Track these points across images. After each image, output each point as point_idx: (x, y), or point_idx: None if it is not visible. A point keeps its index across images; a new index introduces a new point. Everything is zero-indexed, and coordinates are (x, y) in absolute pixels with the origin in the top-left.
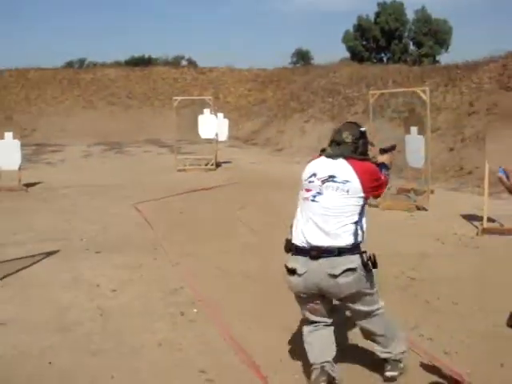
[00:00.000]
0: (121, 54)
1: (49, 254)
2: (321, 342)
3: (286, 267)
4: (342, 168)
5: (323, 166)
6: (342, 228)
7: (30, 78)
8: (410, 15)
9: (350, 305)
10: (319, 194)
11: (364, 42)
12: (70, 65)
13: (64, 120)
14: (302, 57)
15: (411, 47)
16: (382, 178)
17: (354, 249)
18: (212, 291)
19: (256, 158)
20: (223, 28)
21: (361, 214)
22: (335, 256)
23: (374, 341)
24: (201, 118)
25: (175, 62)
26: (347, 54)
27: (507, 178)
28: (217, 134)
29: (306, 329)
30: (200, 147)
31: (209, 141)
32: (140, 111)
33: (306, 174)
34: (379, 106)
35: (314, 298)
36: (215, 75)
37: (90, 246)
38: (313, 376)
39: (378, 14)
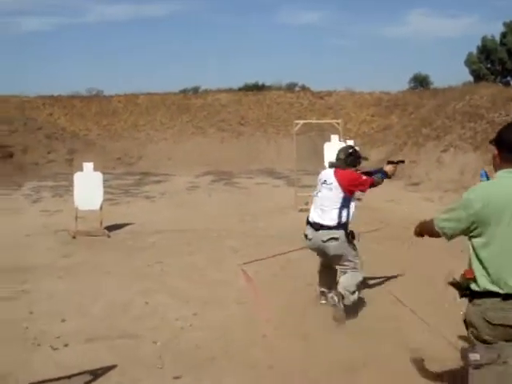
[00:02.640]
0: (234, 81)
1: (93, 373)
2: (325, 276)
3: (304, 233)
4: (331, 175)
5: (324, 173)
6: (329, 212)
7: (139, 104)
8: None
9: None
10: (319, 191)
11: (489, 65)
12: (183, 92)
13: (172, 147)
14: (421, 82)
15: None
16: (362, 179)
17: (338, 226)
18: None
19: (390, 193)
20: (336, 54)
21: (343, 203)
22: (325, 229)
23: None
24: (327, 146)
25: (290, 88)
26: (469, 78)
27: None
28: None
29: (319, 267)
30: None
31: None
32: (252, 138)
33: (318, 178)
34: None
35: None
36: (334, 99)
37: (167, 357)
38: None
39: (504, 35)
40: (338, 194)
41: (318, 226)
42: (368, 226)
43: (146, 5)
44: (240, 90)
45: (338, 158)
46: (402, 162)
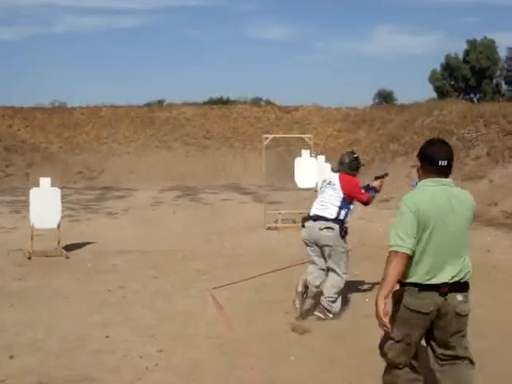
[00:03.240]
0: (199, 95)
1: None
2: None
3: (302, 225)
4: (336, 177)
5: (329, 176)
6: (329, 208)
7: (103, 116)
8: (502, 53)
9: (327, 259)
10: (324, 191)
11: (452, 82)
12: (148, 105)
13: (135, 161)
14: (385, 98)
15: (503, 86)
16: (360, 189)
17: (335, 220)
18: None
19: (360, 211)
20: (302, 70)
21: (342, 203)
22: (323, 220)
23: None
24: (298, 162)
25: (255, 103)
26: (433, 94)
27: None
28: (317, 183)
29: (309, 266)
30: (290, 196)
31: (307, 190)
32: (218, 152)
33: (322, 180)
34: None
35: (312, 244)
36: (301, 114)
37: None
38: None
39: (467, 52)
40: (339, 195)
41: (316, 217)
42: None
43: (113, 17)
44: (205, 103)
45: (341, 162)
46: (387, 175)
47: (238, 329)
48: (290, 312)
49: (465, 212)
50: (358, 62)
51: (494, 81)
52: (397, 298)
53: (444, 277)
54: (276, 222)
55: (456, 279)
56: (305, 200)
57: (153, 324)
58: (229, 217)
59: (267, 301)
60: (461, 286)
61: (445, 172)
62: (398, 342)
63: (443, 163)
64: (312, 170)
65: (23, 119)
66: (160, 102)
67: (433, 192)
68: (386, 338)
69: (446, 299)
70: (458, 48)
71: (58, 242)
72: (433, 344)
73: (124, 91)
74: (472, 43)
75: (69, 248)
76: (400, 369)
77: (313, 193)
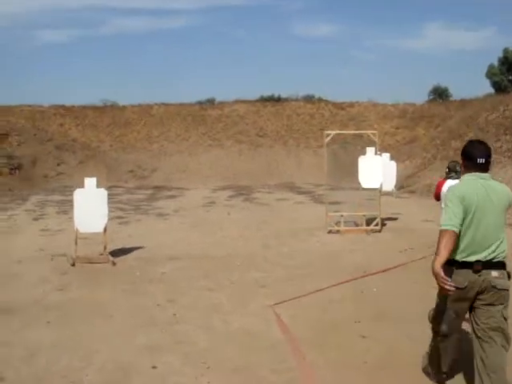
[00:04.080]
0: (250, 94)
1: None
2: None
3: None
4: None
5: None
6: None
7: (154, 115)
8: None
9: None
10: None
11: (510, 77)
12: (199, 103)
13: (187, 159)
14: (440, 94)
15: None
16: None
17: None
18: None
19: (427, 213)
20: (353, 66)
21: None
22: None
23: None
24: (362, 161)
25: (308, 100)
26: (490, 90)
27: None
28: (381, 183)
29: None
30: (350, 196)
31: (371, 190)
32: (271, 151)
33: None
34: None
35: None
36: (356, 110)
37: None
38: None
39: None
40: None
41: None
42: (415, 252)
43: (162, 17)
44: (257, 101)
45: (456, 171)
46: None
47: (308, 356)
48: (367, 336)
49: (501, 201)
50: (410, 59)
51: None
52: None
53: (478, 256)
54: (338, 224)
55: (489, 258)
56: (366, 201)
57: (207, 348)
58: (286, 218)
59: (338, 321)
60: (495, 264)
61: (483, 168)
62: (444, 312)
63: (481, 161)
64: (377, 169)
65: (74, 118)
66: (210, 101)
67: (473, 184)
68: (436, 310)
69: (480, 275)
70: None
71: (105, 248)
72: (474, 315)
73: (174, 91)
74: None
75: (116, 253)
76: (446, 337)
77: (376, 193)
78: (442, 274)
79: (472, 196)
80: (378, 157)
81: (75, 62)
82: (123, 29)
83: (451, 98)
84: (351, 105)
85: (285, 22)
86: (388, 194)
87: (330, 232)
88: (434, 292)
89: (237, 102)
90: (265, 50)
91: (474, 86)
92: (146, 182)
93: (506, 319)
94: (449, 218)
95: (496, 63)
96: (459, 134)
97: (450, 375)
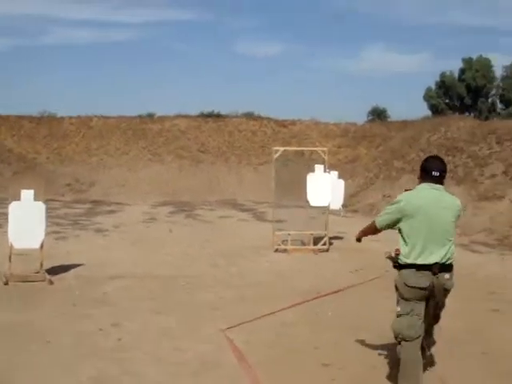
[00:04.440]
0: (189, 110)
1: None
2: None
3: None
4: None
5: None
6: None
7: (93, 127)
8: (498, 72)
9: None
10: None
11: (447, 100)
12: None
13: (126, 174)
14: (379, 114)
15: (499, 105)
16: None
17: None
18: None
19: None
20: (292, 85)
21: None
22: None
23: None
24: (311, 179)
25: (251, 117)
26: (428, 112)
27: None
28: (329, 202)
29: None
30: (293, 214)
31: (321, 209)
32: (213, 167)
33: None
34: None
35: None
36: (298, 128)
37: None
38: None
39: (463, 71)
40: None
41: None
42: (365, 273)
43: (105, 30)
44: (199, 116)
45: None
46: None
47: None
48: (330, 364)
49: (449, 210)
50: (350, 80)
51: (490, 100)
52: (396, 283)
53: (434, 258)
54: (284, 243)
55: (443, 261)
56: (311, 219)
57: (159, 381)
58: (231, 236)
59: (296, 347)
60: (447, 267)
61: (437, 180)
62: (405, 315)
63: (436, 174)
64: (326, 187)
65: (10, 128)
66: (150, 115)
67: (426, 193)
68: (400, 319)
69: (437, 277)
70: (454, 67)
71: (41, 265)
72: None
73: (114, 103)
74: (468, 62)
75: (53, 271)
76: (409, 341)
77: (320, 211)
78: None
79: (422, 202)
80: (327, 174)
81: (11, 70)
82: (65, 40)
83: (389, 119)
84: (293, 123)
85: (228, 40)
86: (335, 212)
87: (276, 251)
88: (392, 315)
89: (178, 116)
90: (207, 66)
91: (411, 108)
92: (83, 195)
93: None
94: (382, 218)
95: (433, 86)
96: (401, 155)
97: None
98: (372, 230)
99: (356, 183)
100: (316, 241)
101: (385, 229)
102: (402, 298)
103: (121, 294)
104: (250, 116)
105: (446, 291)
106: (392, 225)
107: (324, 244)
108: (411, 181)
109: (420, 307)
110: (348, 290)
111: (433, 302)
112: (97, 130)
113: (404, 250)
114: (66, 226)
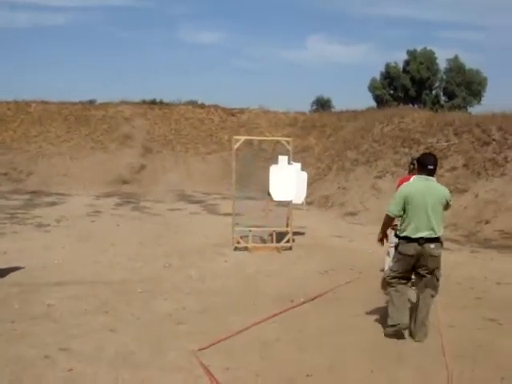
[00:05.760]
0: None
1: None
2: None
3: None
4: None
5: None
6: None
7: (32, 113)
8: (442, 64)
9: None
10: None
11: (392, 91)
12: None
13: (68, 163)
14: (322, 105)
15: (442, 97)
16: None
17: None
18: None
19: (332, 227)
20: (234, 74)
21: None
22: None
23: None
24: (274, 170)
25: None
26: (372, 103)
27: None
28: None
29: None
30: (246, 207)
31: (282, 203)
32: (159, 156)
33: None
34: None
35: None
36: (247, 117)
37: None
38: None
39: (407, 63)
40: None
41: None
42: (337, 274)
43: (44, 13)
44: (144, 103)
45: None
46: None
47: None
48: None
49: (438, 197)
50: (293, 69)
51: (434, 92)
52: (396, 247)
53: (421, 234)
54: (243, 239)
55: (429, 235)
56: (270, 213)
57: None
58: (184, 232)
59: (286, 374)
60: (432, 239)
61: (430, 172)
62: (396, 272)
63: (430, 167)
64: (290, 180)
65: None
66: (91, 102)
67: (420, 183)
68: (393, 267)
69: (423, 247)
70: (399, 58)
71: None
72: (417, 273)
73: (55, 89)
74: (412, 53)
75: None
76: (393, 286)
77: (278, 204)
78: (382, 240)
79: (416, 190)
80: (292, 166)
81: None
82: (2, 23)
83: (333, 109)
84: (242, 111)
85: (169, 26)
86: (298, 206)
87: (236, 249)
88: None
89: (122, 103)
90: (148, 53)
91: (356, 98)
92: (21, 185)
93: (437, 279)
94: (392, 208)
95: (378, 77)
96: (354, 145)
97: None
98: (388, 223)
99: (308, 174)
100: (277, 237)
101: (398, 216)
102: (398, 253)
103: (68, 307)
104: (195, 104)
105: (433, 257)
106: (401, 210)
107: (287, 241)
108: (367, 173)
109: (409, 262)
110: (324, 296)
111: (421, 266)
112: (36, 116)
113: (401, 226)
114: (2, 219)
